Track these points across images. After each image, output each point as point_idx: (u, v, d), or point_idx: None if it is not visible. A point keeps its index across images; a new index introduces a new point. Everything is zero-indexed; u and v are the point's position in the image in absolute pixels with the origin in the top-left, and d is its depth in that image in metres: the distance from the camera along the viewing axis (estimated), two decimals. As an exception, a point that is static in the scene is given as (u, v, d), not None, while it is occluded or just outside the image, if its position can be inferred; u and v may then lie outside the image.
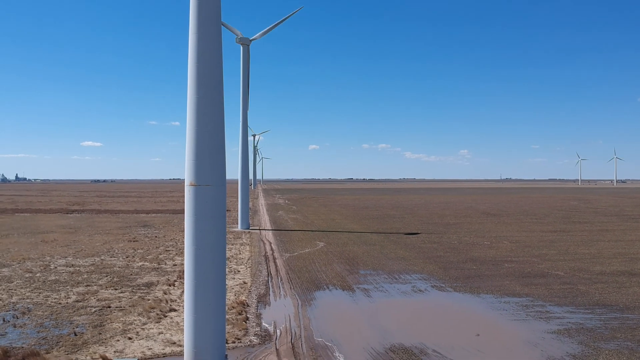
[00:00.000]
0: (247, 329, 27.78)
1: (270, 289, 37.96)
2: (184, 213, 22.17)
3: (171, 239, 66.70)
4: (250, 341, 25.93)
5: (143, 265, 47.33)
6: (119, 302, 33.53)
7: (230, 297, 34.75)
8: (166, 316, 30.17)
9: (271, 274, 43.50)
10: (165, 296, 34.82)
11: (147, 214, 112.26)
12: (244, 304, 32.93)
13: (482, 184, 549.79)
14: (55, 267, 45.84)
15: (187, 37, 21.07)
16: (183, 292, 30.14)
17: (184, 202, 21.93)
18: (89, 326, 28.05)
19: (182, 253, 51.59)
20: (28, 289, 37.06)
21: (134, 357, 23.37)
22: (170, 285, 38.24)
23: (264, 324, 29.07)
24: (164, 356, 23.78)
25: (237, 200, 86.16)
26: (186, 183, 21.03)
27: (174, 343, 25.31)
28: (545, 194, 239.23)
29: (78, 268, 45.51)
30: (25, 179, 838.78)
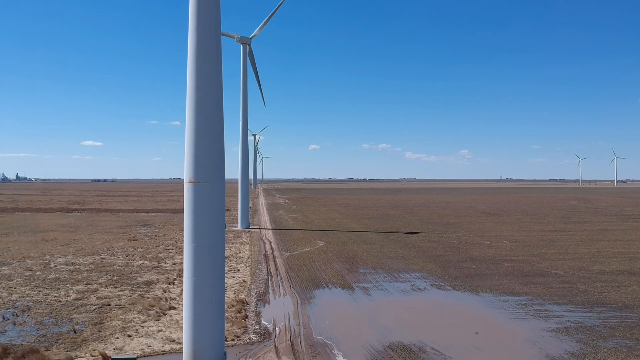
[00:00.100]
0: (246, 327, 27.83)
1: (270, 288, 38.01)
2: (183, 212, 22.20)
3: (171, 238, 66.75)
4: (249, 339, 25.98)
5: (143, 263, 47.39)
6: (119, 300, 33.58)
7: (229, 295, 34.80)
8: (166, 314, 30.22)
9: (271, 273, 43.54)
10: (164, 294, 34.87)
11: (147, 213, 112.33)
12: (243, 302, 32.97)
13: (483, 184, 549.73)
14: (55, 266, 45.89)
15: (187, 37, 21.12)
16: (183, 290, 30.18)
17: (183, 201, 21.97)
18: (88, 324, 28.10)
19: (182, 252, 51.63)
20: (28, 287, 37.12)
21: (134, 354, 23.41)
22: (169, 284, 38.29)
23: (263, 322, 29.12)
24: (163, 354, 23.83)
25: (237, 200, 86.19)
26: (185, 180, 21.08)
27: (174, 341, 25.36)
28: (545, 193, 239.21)
29: (78, 266, 45.56)
30: (25, 178, 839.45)
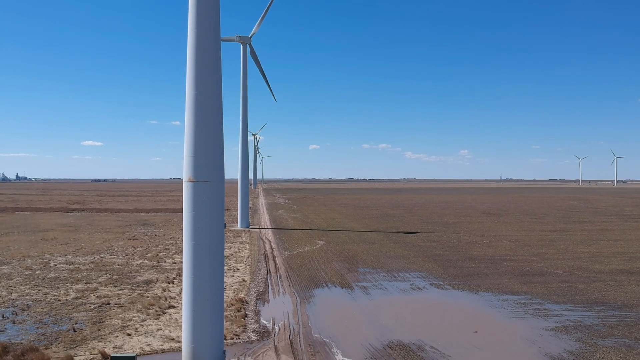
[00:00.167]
0: (245, 326, 27.86)
1: (270, 287, 38.04)
2: (183, 211, 22.21)
3: (171, 238, 66.79)
4: (248, 337, 26.01)
5: (142, 263, 47.42)
6: (118, 299, 33.61)
7: (229, 294, 34.83)
8: (165, 313, 30.25)
9: (270, 272, 43.57)
10: (164, 293, 34.90)
11: (147, 213, 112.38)
12: (242, 301, 33.00)
13: (483, 184, 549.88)
14: (55, 265, 45.93)
15: (187, 37, 21.13)
16: (182, 289, 30.22)
17: (183, 199, 21.98)
18: (88, 322, 28.13)
19: (182, 251, 51.64)
20: (27, 286, 37.15)
21: (133, 353, 23.44)
22: (169, 283, 38.32)
23: (262, 320, 29.15)
24: (162, 352, 23.87)
25: (237, 199, 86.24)
26: (184, 179, 21.11)
27: (173, 339, 25.39)
28: (545, 193, 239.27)
29: (78, 266, 45.60)
30: (25, 178, 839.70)
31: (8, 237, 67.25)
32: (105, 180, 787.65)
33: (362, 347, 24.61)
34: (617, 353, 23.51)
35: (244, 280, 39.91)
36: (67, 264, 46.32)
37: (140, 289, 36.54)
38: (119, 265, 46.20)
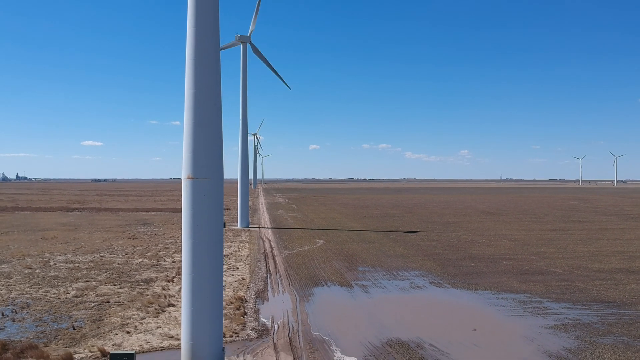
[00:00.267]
0: (244, 324, 27.89)
1: (269, 285, 38.07)
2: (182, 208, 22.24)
3: (170, 237, 66.83)
4: (247, 335, 26.04)
5: (142, 262, 47.46)
6: (118, 297, 33.65)
7: (228, 292, 34.86)
8: (164, 311, 30.29)
9: (270, 271, 43.61)
10: (163, 292, 34.94)
11: (147, 212, 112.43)
12: (242, 300, 33.04)
13: (483, 184, 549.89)
14: (55, 264, 45.97)
15: (186, 35, 21.15)
16: (181, 286, 30.28)
17: (182, 197, 22.01)
18: (87, 320, 28.17)
19: (181, 249, 51.66)
20: (27, 285, 37.18)
21: (132, 350, 23.45)
22: (169, 282, 38.36)
23: (261, 318, 29.18)
24: (161, 349, 23.91)
25: (237, 199, 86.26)
26: (183, 177, 21.13)
27: (172, 337, 25.43)
28: (545, 193, 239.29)
29: (77, 264, 45.64)
30: (26, 178, 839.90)
31: (8, 236, 67.29)
32: (105, 180, 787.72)
33: (361, 345, 24.64)
34: (616, 351, 23.54)
35: (243, 279, 39.95)
36: (66, 263, 46.36)
37: (140, 287, 36.58)
38: (118, 264, 46.24)
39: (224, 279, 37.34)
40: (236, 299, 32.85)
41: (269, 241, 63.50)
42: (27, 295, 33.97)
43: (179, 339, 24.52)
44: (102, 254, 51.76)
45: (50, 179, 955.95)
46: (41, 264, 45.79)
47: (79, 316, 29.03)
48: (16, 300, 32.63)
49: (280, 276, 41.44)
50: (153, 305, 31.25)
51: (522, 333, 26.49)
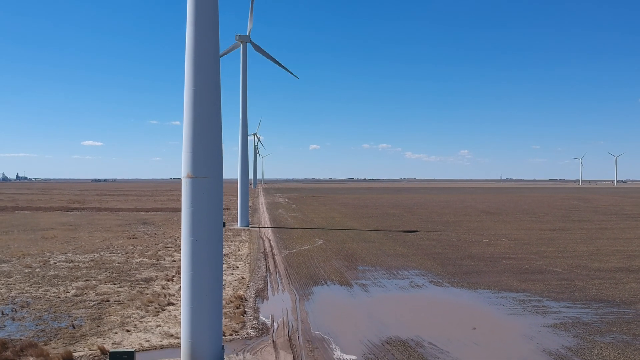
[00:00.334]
0: (244, 322, 27.91)
1: (269, 284, 38.09)
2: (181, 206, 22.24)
3: (170, 236, 66.86)
4: (247, 334, 26.06)
5: (142, 261, 47.48)
6: (118, 296, 33.67)
7: (228, 291, 34.88)
8: (164, 310, 30.31)
9: (270, 270, 43.63)
10: (163, 290, 34.96)
11: (147, 212, 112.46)
12: (241, 299, 33.06)
13: (483, 184, 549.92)
14: (55, 263, 45.99)
15: (185, 33, 21.17)
16: (181, 285, 30.30)
17: (181, 195, 22.01)
18: (87, 319, 28.19)
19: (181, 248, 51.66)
20: (27, 284, 37.21)
21: (132, 348, 23.47)
22: (168, 280, 38.39)
23: (261, 317, 29.21)
24: (161, 348, 23.93)
25: (237, 198, 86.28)
26: (183, 175, 21.15)
27: (172, 335, 25.45)
28: (545, 193, 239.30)
29: (77, 264, 45.66)
30: (26, 178, 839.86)
31: (8, 235, 67.32)
32: (105, 180, 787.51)
33: (360, 343, 24.66)
34: (615, 349, 23.56)
35: (243, 278, 39.97)
36: (66, 262, 46.39)
37: (140, 286, 36.60)
38: (118, 263, 46.26)
39: (224, 278, 37.37)
40: (236, 298, 32.87)
41: (269, 240, 63.52)
42: (26, 294, 34.00)
43: (178, 338, 24.54)
44: (102, 254, 51.78)
45: (50, 179, 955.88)
46: (41, 263, 45.82)
47: (78, 315, 29.06)
48: (16, 299, 32.66)
49: (280, 275, 41.46)
50: (153, 304, 31.28)
51: (522, 332, 26.51)
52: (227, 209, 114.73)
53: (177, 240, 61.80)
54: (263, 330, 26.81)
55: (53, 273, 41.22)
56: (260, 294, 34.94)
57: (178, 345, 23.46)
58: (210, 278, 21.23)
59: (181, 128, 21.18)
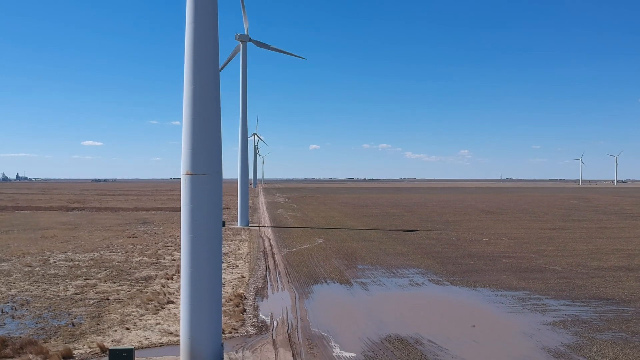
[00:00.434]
0: (244, 320, 27.93)
1: (268, 283, 38.11)
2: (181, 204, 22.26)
3: (170, 236, 66.87)
4: (247, 331, 26.09)
5: (142, 260, 47.50)
6: (117, 294, 33.69)
7: (228, 290, 34.90)
8: (164, 308, 30.33)
9: (269, 269, 43.65)
10: (163, 289, 34.98)
11: (147, 212, 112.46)
12: (241, 297, 33.08)
13: (483, 184, 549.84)
14: (55, 262, 46.01)
15: (184, 31, 21.18)
16: (180, 282, 30.31)
17: (181, 193, 22.03)
18: (87, 317, 28.21)
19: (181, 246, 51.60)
20: (27, 282, 37.22)
21: (131, 346, 23.50)
22: (168, 279, 38.41)
23: (261, 315, 29.23)
24: (161, 345, 23.95)
25: (237, 198, 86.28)
26: (182, 172, 21.16)
27: (171, 333, 25.47)
28: (545, 193, 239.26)
29: (77, 262, 45.68)
30: (26, 178, 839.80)
31: (8, 235, 67.34)
32: (105, 180, 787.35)
33: (359, 341, 24.69)
34: (614, 347, 23.59)
35: (242, 277, 39.99)
36: (66, 261, 46.40)
37: (140, 285, 36.62)
38: (118, 262, 46.28)
39: (224, 276, 37.42)
40: (235, 296, 32.89)
41: (269, 239, 63.54)
42: (26, 293, 34.02)
43: (178, 335, 24.56)
44: (101, 252, 51.80)
45: (50, 179, 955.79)
46: (41, 262, 45.84)
47: (78, 313, 29.07)
48: (16, 298, 32.68)
49: (279, 274, 41.48)
50: (152, 302, 31.29)
51: (521, 329, 26.52)
52: (227, 208, 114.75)
53: (177, 240, 61.81)
54: (262, 328, 26.83)
55: (53, 272, 41.24)
56: (260, 293, 34.96)
57: (177, 343, 23.50)
58: (210, 275, 21.24)
59: (181, 128, 21.19)
